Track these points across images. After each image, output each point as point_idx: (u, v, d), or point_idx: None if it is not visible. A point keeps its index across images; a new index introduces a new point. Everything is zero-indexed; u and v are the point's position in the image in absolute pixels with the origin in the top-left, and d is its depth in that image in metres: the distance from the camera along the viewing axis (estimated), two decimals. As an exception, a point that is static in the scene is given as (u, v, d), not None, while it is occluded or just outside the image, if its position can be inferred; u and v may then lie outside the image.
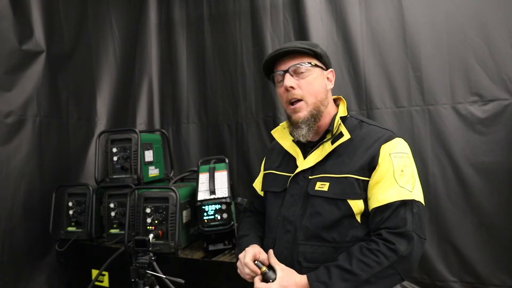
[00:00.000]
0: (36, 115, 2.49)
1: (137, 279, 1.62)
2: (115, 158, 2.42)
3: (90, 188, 2.42)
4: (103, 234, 2.46)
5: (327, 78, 1.31)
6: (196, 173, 2.35)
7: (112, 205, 2.39)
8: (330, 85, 1.31)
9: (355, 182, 1.17)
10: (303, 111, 1.24)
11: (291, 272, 1.16)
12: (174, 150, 3.34)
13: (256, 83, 3.12)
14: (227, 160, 2.37)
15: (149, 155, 2.53)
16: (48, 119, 2.57)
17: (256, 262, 1.22)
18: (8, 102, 2.33)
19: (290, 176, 1.30)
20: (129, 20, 3.29)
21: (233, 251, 2.18)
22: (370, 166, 1.18)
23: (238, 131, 3.20)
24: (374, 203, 1.15)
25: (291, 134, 1.32)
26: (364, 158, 1.19)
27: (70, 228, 2.44)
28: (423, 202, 1.17)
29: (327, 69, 1.31)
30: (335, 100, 1.38)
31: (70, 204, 2.45)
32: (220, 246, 2.13)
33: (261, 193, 1.49)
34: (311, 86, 1.24)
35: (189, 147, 3.42)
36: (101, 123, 3.00)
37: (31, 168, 2.44)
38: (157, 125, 3.49)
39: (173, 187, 2.18)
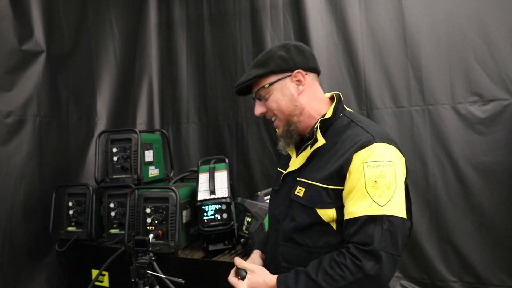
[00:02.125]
0: (36, 115, 2.49)
1: (137, 279, 1.62)
2: (115, 158, 2.42)
3: (90, 188, 2.42)
4: (103, 234, 2.46)
5: (297, 81, 1.23)
6: (196, 173, 2.35)
7: (112, 205, 2.39)
8: (301, 87, 1.23)
9: (323, 191, 1.13)
10: (280, 127, 1.26)
11: (263, 271, 1.18)
12: (174, 150, 3.34)
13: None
14: (227, 160, 2.37)
15: (149, 155, 2.53)
16: (48, 119, 2.57)
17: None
18: (8, 102, 2.33)
19: (283, 174, 1.31)
20: (129, 20, 3.29)
21: (233, 251, 2.18)
22: (340, 175, 1.12)
23: (238, 131, 3.20)
24: (345, 214, 1.11)
25: None
26: (334, 166, 1.13)
27: (70, 228, 2.44)
28: (400, 215, 1.07)
29: (293, 70, 1.22)
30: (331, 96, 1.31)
31: (70, 204, 2.45)
32: (220, 246, 2.13)
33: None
34: (275, 104, 1.23)
35: (189, 147, 3.42)
36: (101, 123, 3.00)
37: (31, 168, 2.44)
38: (157, 125, 3.49)
39: (173, 187, 2.18)
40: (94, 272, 2.31)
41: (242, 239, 2.11)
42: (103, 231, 2.47)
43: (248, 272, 1.19)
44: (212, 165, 2.30)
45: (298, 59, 1.23)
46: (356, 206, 1.07)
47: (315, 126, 1.20)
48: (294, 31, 2.95)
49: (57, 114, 2.66)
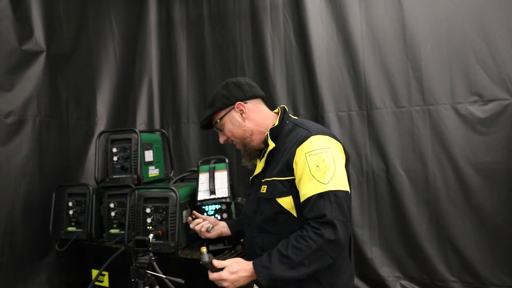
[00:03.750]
0: (36, 115, 2.49)
1: (137, 279, 1.62)
2: (115, 158, 2.42)
3: (90, 188, 2.42)
4: (103, 234, 2.46)
5: (240, 110, 1.52)
6: (196, 173, 2.35)
7: (112, 205, 2.39)
8: (244, 115, 1.52)
9: (278, 183, 1.39)
10: (239, 147, 1.57)
11: (239, 260, 1.37)
12: (174, 150, 3.34)
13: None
14: (227, 160, 2.37)
15: (149, 155, 2.52)
16: (48, 119, 2.57)
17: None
18: (8, 102, 2.33)
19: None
20: (129, 20, 3.28)
21: (233, 251, 2.18)
22: (288, 167, 1.37)
23: (238, 131, 3.20)
24: (301, 198, 1.34)
25: None
26: (283, 161, 1.39)
27: (70, 228, 2.43)
28: (342, 188, 1.30)
29: (234, 104, 1.52)
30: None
31: (70, 204, 2.45)
32: (220, 246, 2.12)
33: None
34: (230, 132, 1.54)
35: (189, 147, 3.42)
36: (101, 123, 3.00)
37: (31, 168, 2.44)
38: (157, 125, 3.48)
39: (173, 187, 2.17)
40: (94, 272, 2.31)
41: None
42: (103, 231, 2.46)
43: (226, 266, 1.34)
44: (212, 165, 2.30)
45: (236, 93, 1.54)
46: (306, 189, 1.31)
47: (266, 135, 1.48)
48: (294, 31, 2.95)
49: (57, 114, 2.65)
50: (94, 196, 2.39)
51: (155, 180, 2.61)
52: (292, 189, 1.37)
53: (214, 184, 2.16)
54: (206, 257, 1.33)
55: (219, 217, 2.09)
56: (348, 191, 1.33)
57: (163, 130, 2.96)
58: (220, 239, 2.13)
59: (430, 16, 2.55)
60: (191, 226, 1.70)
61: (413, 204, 2.61)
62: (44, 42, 2.54)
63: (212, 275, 1.34)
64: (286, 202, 1.38)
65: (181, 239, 2.15)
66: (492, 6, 2.40)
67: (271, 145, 1.46)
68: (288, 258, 1.26)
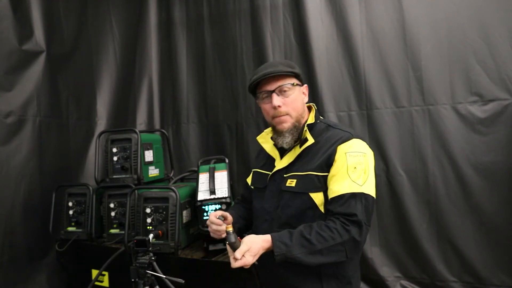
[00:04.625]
0: (36, 115, 2.49)
1: (137, 279, 1.62)
2: (115, 158, 2.42)
3: (90, 188, 2.42)
4: (103, 234, 2.46)
5: (303, 92, 1.51)
6: (196, 173, 2.35)
7: (112, 205, 2.39)
8: (306, 99, 1.53)
9: (315, 178, 1.38)
10: (287, 123, 1.45)
11: (252, 239, 1.30)
12: (174, 150, 3.34)
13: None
14: (227, 160, 2.37)
15: (149, 155, 2.53)
16: (48, 119, 2.57)
17: (218, 216, 1.46)
18: (8, 102, 2.33)
19: (269, 174, 1.53)
20: (129, 20, 3.29)
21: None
22: (328, 163, 1.38)
23: (238, 131, 3.20)
24: (331, 193, 1.35)
25: (274, 140, 1.53)
26: (323, 157, 1.39)
27: (70, 228, 2.44)
28: (373, 195, 1.34)
29: (302, 85, 1.51)
30: (308, 108, 1.58)
31: (70, 204, 2.45)
32: (220, 246, 2.13)
33: (252, 187, 1.69)
34: (294, 103, 1.45)
35: (189, 147, 3.42)
36: (101, 123, 3.00)
37: (31, 168, 2.44)
38: (157, 125, 3.49)
39: (173, 187, 2.18)
40: (94, 272, 2.31)
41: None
42: (103, 231, 2.47)
43: (246, 252, 1.26)
44: (212, 165, 2.30)
45: (303, 78, 1.52)
46: (339, 186, 1.33)
47: (304, 130, 1.46)
48: (294, 31, 2.95)
49: (57, 114, 2.66)
50: (94, 196, 2.40)
51: (155, 180, 2.62)
52: (324, 185, 1.38)
53: (214, 184, 2.16)
54: (233, 238, 1.27)
55: (219, 217, 2.08)
56: (374, 198, 1.36)
57: (163, 130, 2.97)
58: (220, 239, 2.14)
59: (430, 16, 2.55)
60: (216, 228, 1.48)
61: (413, 204, 2.61)
62: (44, 42, 2.54)
63: (236, 264, 1.27)
64: (318, 197, 1.38)
65: (181, 239, 2.15)
66: (492, 6, 2.40)
67: (311, 140, 1.45)
68: (310, 243, 1.25)
